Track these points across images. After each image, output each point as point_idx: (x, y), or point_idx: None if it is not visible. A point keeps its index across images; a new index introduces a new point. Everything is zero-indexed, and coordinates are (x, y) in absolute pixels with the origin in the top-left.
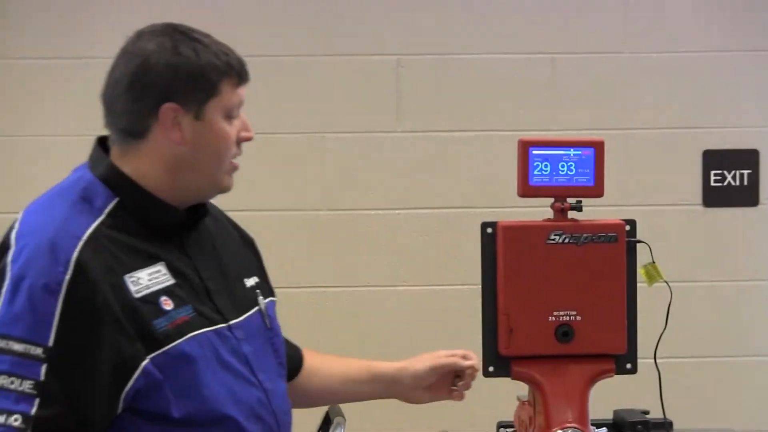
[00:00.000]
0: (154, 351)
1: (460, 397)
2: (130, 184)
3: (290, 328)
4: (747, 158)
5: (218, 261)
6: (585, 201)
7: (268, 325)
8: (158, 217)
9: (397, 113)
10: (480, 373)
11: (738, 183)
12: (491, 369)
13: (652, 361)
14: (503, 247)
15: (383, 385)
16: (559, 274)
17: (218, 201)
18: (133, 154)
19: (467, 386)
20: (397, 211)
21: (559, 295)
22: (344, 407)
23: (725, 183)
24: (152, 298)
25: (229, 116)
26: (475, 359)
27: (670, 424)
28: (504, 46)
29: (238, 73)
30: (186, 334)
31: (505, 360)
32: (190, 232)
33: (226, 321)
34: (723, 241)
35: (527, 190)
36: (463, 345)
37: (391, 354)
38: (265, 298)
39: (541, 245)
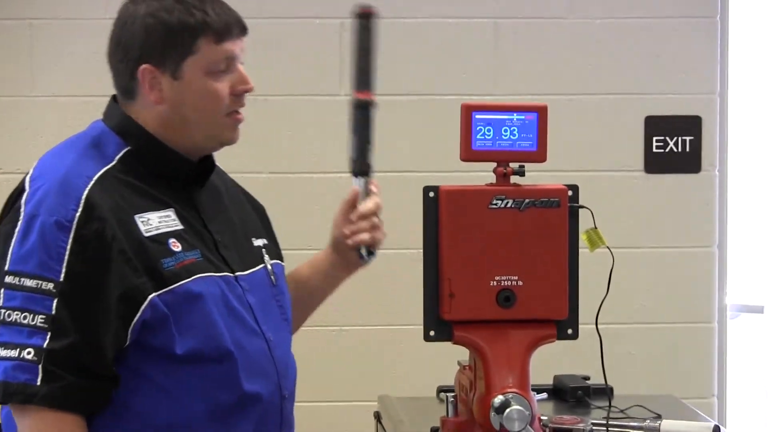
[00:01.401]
0: (161, 289)
1: (349, 235)
2: (142, 133)
3: None
4: (689, 125)
5: (227, 218)
6: (527, 166)
7: (274, 283)
8: (168, 165)
9: (340, 77)
10: (421, 338)
11: (680, 149)
12: (432, 333)
13: (594, 326)
14: (445, 211)
15: (324, 268)
16: (501, 239)
17: None
18: (131, 112)
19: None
20: (339, 175)
21: (501, 259)
22: None
23: (667, 149)
24: (161, 239)
25: (213, 72)
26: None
27: (611, 390)
28: (447, 9)
29: (217, 29)
30: (194, 275)
31: (447, 324)
32: (198, 187)
33: (233, 272)
34: (665, 208)
35: (470, 154)
36: (404, 308)
37: (332, 316)
38: (272, 259)
39: (483, 210)
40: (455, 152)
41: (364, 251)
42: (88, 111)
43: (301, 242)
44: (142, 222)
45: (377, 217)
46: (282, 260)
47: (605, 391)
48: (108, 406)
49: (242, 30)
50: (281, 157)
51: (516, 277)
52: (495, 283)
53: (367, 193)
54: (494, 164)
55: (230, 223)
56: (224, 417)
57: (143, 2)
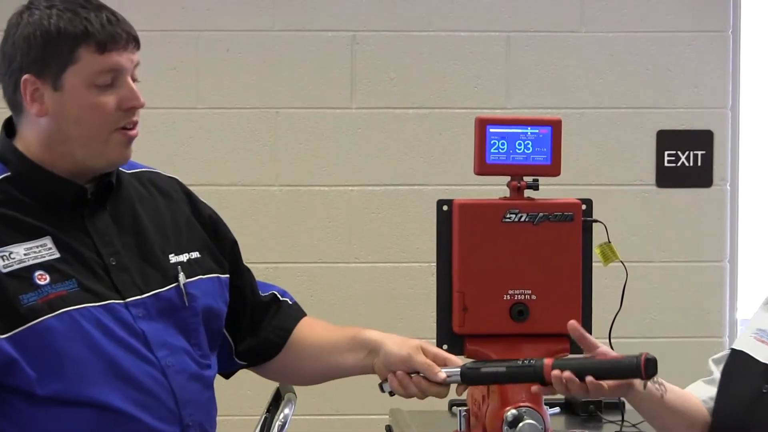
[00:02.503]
0: (14, 328)
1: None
2: (19, 158)
3: None
4: (701, 139)
5: (136, 236)
6: (541, 180)
7: (185, 303)
8: (49, 190)
9: (351, 89)
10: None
11: (692, 164)
12: (445, 347)
13: (607, 340)
14: (459, 224)
15: (363, 353)
16: (515, 253)
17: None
18: (20, 129)
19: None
20: (350, 188)
21: (514, 273)
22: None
23: (679, 164)
24: (24, 273)
25: (96, 84)
26: (442, 376)
27: (623, 404)
28: (459, 23)
29: (99, 39)
30: (58, 309)
31: (459, 338)
32: (96, 207)
33: (123, 298)
34: (676, 222)
35: (484, 168)
36: (416, 322)
37: None
38: (195, 275)
39: (497, 223)
40: (468, 165)
41: (388, 389)
42: None
43: (312, 256)
44: (2, 257)
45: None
46: (222, 272)
47: (617, 406)
48: None
49: (131, 42)
50: (292, 170)
51: (529, 291)
52: (508, 296)
53: (447, 385)
54: (508, 178)
55: (139, 241)
56: None
57: (27, 12)
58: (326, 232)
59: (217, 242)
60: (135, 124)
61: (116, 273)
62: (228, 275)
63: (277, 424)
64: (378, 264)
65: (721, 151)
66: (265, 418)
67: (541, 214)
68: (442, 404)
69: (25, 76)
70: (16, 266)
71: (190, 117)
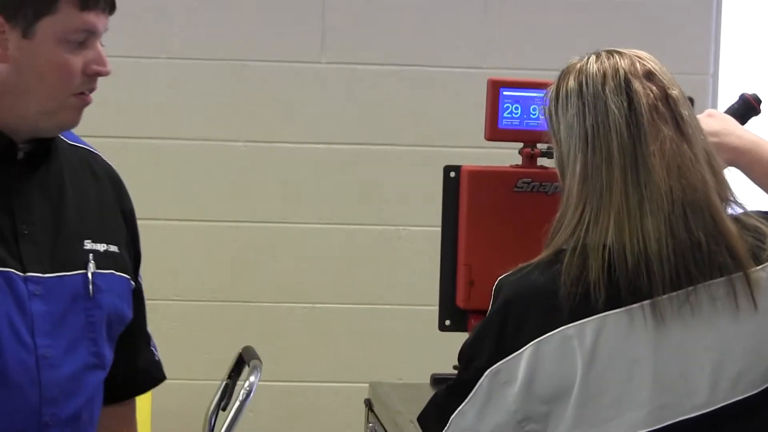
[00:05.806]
0: None
1: None
2: None
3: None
4: None
5: (56, 211)
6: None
7: (90, 294)
8: None
9: (321, 44)
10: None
11: None
12: (448, 323)
13: None
14: (467, 193)
15: None
16: (526, 224)
17: None
18: None
19: None
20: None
21: (524, 246)
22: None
23: None
24: None
25: (68, 41)
26: None
27: None
28: None
29: None
30: None
31: (463, 313)
32: (26, 170)
33: (24, 271)
34: None
35: (495, 133)
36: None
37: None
38: (107, 269)
39: (507, 192)
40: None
41: None
42: None
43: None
44: None
45: None
46: (133, 276)
47: None
48: None
49: (108, 7)
50: (259, 126)
51: None
52: None
53: None
54: (521, 144)
55: (59, 217)
56: None
57: None
58: (289, 191)
59: (132, 243)
60: (93, 90)
61: (24, 243)
62: (134, 283)
63: (242, 392)
64: (349, 226)
65: None
66: (226, 384)
67: (555, 184)
68: (423, 378)
69: None
70: None
71: (155, 66)
